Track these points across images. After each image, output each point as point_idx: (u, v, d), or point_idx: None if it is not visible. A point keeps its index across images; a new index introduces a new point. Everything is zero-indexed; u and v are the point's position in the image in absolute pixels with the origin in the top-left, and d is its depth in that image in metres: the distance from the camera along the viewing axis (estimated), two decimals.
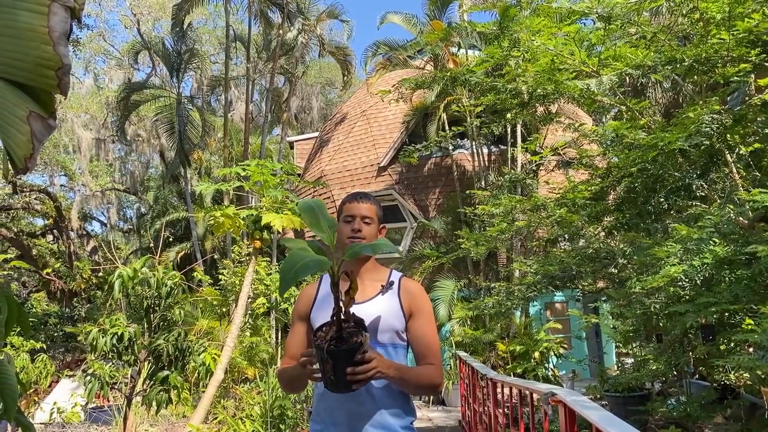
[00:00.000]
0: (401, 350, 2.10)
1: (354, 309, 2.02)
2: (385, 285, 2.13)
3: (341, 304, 1.73)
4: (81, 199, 26.63)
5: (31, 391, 12.46)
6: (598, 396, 8.75)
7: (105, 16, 36.73)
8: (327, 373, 1.75)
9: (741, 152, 5.97)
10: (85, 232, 27.38)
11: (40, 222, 25.99)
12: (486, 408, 6.70)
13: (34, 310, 20.64)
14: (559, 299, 13.96)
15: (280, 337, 12.77)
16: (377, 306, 2.07)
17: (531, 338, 10.86)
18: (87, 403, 9.71)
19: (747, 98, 6.68)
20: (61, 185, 29.05)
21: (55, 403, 10.42)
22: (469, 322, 11.87)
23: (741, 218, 5.31)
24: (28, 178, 22.91)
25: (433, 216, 14.18)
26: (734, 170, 5.81)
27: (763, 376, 6.41)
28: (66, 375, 13.20)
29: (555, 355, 10.78)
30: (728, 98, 7.42)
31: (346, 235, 2.12)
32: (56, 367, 15.03)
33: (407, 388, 2.03)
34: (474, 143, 13.63)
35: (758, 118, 5.73)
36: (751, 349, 6.25)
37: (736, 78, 5.75)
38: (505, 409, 5.87)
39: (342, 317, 1.73)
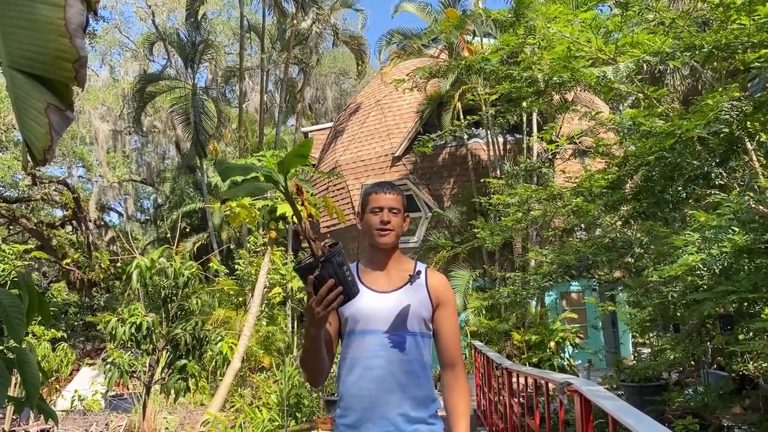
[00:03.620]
0: (428, 340, 2.11)
1: (383, 298, 2.07)
2: (412, 275, 2.13)
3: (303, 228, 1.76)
4: (99, 190, 26.91)
5: (53, 379, 12.69)
6: (614, 386, 8.72)
7: (120, 8, 36.98)
8: (338, 288, 1.74)
9: (761, 140, 5.88)
10: (103, 223, 27.70)
11: (59, 213, 26.35)
12: (501, 397, 6.71)
13: (54, 299, 20.96)
14: (575, 289, 13.88)
15: (296, 326, 12.85)
16: (406, 295, 2.08)
17: (546, 328, 10.83)
18: (107, 391, 9.88)
19: None
20: (79, 176, 29.38)
21: (76, 391, 10.61)
22: (484, 312, 11.86)
23: (761, 206, 5.22)
24: (47, 169, 23.21)
25: (448, 206, 14.14)
26: (754, 158, 5.72)
27: None
28: (86, 363, 13.42)
29: (571, 344, 10.75)
30: (749, 85, 7.28)
31: (374, 226, 2.10)
32: (77, 355, 15.26)
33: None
34: (489, 132, 13.55)
35: None
36: None
37: (756, 64, 5.64)
38: (521, 399, 5.87)
39: (310, 239, 1.75)
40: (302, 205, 1.66)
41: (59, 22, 1.20)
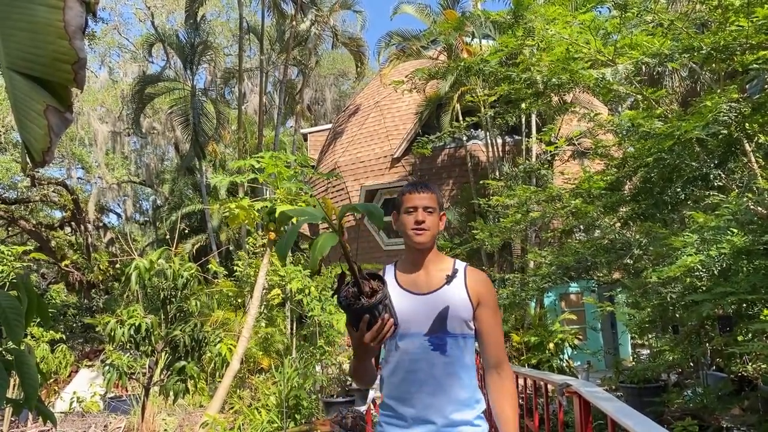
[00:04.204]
0: (470, 340, 2.08)
1: (422, 299, 2.04)
2: (450, 274, 2.10)
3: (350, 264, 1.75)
4: (98, 191, 26.91)
5: (51, 380, 12.68)
6: (613, 387, 8.72)
7: (119, 10, 36.98)
8: (390, 321, 1.79)
9: (760, 141, 5.88)
10: (102, 224, 27.68)
11: (58, 214, 26.33)
12: None
13: (53, 301, 20.93)
14: (574, 290, 13.88)
15: (294, 328, 12.85)
16: (445, 296, 2.04)
17: (546, 329, 10.83)
18: (106, 393, 9.87)
19: (766, 86, 6.57)
20: (79, 178, 29.35)
21: (74, 392, 10.60)
22: None
23: (759, 208, 5.23)
24: (46, 170, 23.19)
25: (447, 207, 14.14)
26: (753, 159, 5.73)
27: None
28: (85, 365, 13.41)
29: (570, 346, 10.74)
30: (747, 86, 7.30)
31: (409, 227, 2.08)
32: (75, 357, 15.25)
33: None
34: (488, 134, 13.55)
35: None
36: None
37: (755, 66, 5.65)
38: (520, 400, 5.87)
39: (357, 275, 1.76)
40: (345, 243, 1.68)
41: (58, 24, 1.20)
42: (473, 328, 2.08)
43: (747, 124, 5.73)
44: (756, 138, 5.87)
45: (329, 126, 19.82)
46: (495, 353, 2.09)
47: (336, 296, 1.81)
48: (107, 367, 6.54)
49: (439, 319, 2.00)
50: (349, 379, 8.70)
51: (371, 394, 8.32)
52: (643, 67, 6.65)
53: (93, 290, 21.75)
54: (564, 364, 10.47)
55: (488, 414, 2.11)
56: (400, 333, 2.00)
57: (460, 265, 2.15)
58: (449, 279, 2.07)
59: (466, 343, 2.05)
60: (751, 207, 5.18)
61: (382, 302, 1.76)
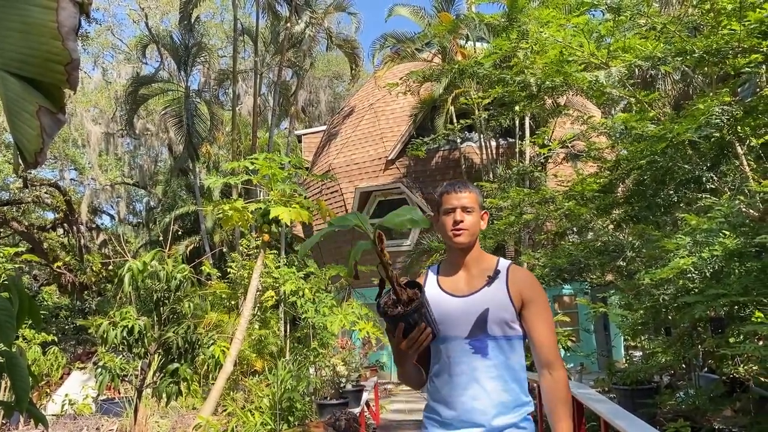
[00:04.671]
0: (516, 341, 2.03)
1: (461, 301, 2.01)
2: (491, 275, 2.05)
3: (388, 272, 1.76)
4: (91, 192, 26.79)
5: (43, 383, 12.59)
6: (606, 389, 8.74)
7: (113, 11, 36.86)
8: (428, 330, 1.81)
9: (752, 144, 5.92)
10: (94, 226, 27.53)
11: (50, 215, 26.20)
12: None
13: (45, 303, 20.82)
14: (568, 292, 13.92)
15: (288, 330, 12.82)
16: (485, 298, 2.00)
17: None
18: (98, 395, 9.81)
19: (758, 89, 6.62)
20: (71, 179, 29.22)
21: (66, 395, 10.54)
22: None
23: (751, 210, 5.27)
24: (39, 172, 23.09)
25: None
26: (745, 162, 5.77)
27: None
28: (77, 367, 13.33)
29: (563, 347, 10.76)
30: (739, 89, 7.34)
31: (449, 228, 2.05)
32: (67, 359, 15.15)
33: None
34: (482, 136, 13.59)
35: None
36: (760, 342, 6.22)
37: (747, 69, 5.70)
38: None
39: (394, 283, 1.77)
40: (383, 251, 1.68)
41: (51, 25, 1.20)
42: (518, 328, 2.03)
43: (739, 127, 5.76)
44: (748, 141, 5.91)
45: (323, 128, 19.82)
46: (545, 352, 2.02)
47: (376, 302, 1.83)
48: (99, 370, 6.51)
49: (479, 322, 1.97)
50: (342, 381, 8.69)
51: (365, 396, 8.32)
52: (636, 70, 6.70)
53: (85, 292, 21.63)
54: None
55: (538, 414, 2.11)
56: (442, 336, 1.97)
57: (503, 264, 2.10)
58: (490, 280, 2.03)
59: (510, 345, 2.01)
60: (743, 209, 5.21)
61: (419, 310, 1.76)
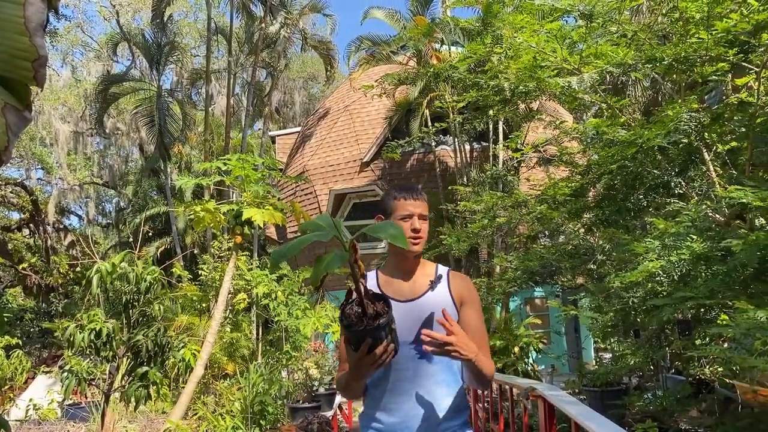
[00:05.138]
0: None
1: (407, 306, 1.99)
2: (433, 279, 2.08)
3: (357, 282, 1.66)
4: (58, 192, 26.23)
5: (6, 387, 12.27)
6: (577, 390, 8.85)
7: (83, 7, 36.19)
8: (391, 347, 1.70)
9: (718, 150, 6.06)
10: (62, 227, 26.97)
11: (15, 216, 25.57)
12: None
13: (9, 305, 20.31)
14: (539, 295, 14.08)
15: (260, 333, 12.71)
16: (430, 301, 1.99)
17: (511, 333, 10.94)
18: (64, 400, 9.60)
19: (724, 97, 6.78)
20: (38, 179, 28.58)
21: (30, 399, 10.29)
22: None
23: (717, 215, 5.39)
24: (4, 171, 22.50)
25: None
26: (711, 168, 5.90)
27: (736, 370, 6.53)
28: (42, 371, 13.04)
29: (535, 350, 10.88)
30: (706, 97, 7.52)
31: (406, 234, 2.00)
32: (32, 363, 14.80)
33: (474, 373, 1.95)
34: (456, 140, 13.67)
35: (735, 117, 5.82)
36: (725, 344, 6.37)
37: (713, 77, 5.83)
38: (486, 404, 5.92)
39: (362, 293, 1.67)
40: (356, 262, 1.57)
41: (18, 20, 1.17)
42: None
43: (706, 134, 5.90)
44: (714, 147, 6.05)
45: (298, 129, 19.74)
46: (476, 343, 2.00)
47: (342, 305, 1.72)
48: (65, 373, 6.36)
49: (425, 326, 1.94)
50: (315, 384, 8.65)
51: (338, 399, 8.28)
52: (608, 76, 6.80)
53: (52, 294, 21.17)
54: (529, 368, 10.59)
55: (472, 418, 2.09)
56: None
57: (443, 269, 2.13)
58: (433, 284, 2.04)
59: None
60: (710, 214, 5.33)
61: (385, 327, 1.68)
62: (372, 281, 2.10)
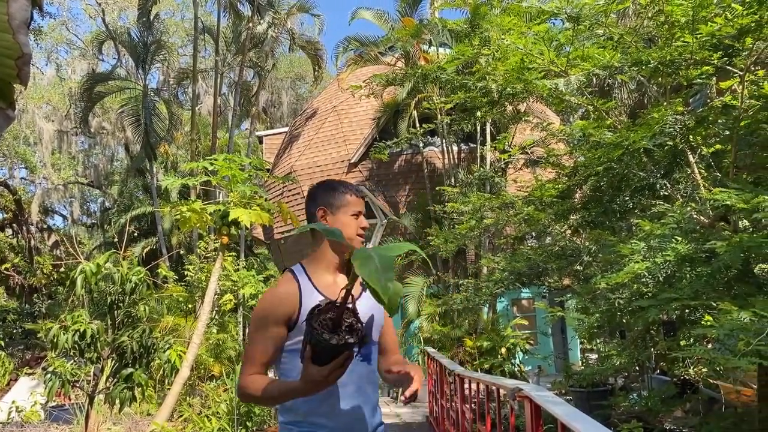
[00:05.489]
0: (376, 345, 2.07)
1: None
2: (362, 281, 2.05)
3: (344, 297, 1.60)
4: (42, 192, 25.95)
5: None
6: (563, 391, 8.90)
7: (68, 5, 35.81)
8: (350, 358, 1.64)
9: (703, 153, 6.12)
10: (46, 227, 26.67)
11: None
12: (453, 404, 6.76)
13: None
14: (526, 296, 14.14)
15: (247, 334, 12.66)
16: (368, 303, 1.92)
17: (498, 334, 10.98)
18: (47, 402, 9.48)
19: (709, 100, 6.86)
20: (22, 178, 28.26)
21: (13, 401, 10.16)
22: (437, 318, 11.95)
23: (702, 217, 5.44)
24: None
25: (404, 213, 14.21)
26: (696, 170, 5.96)
27: (720, 371, 6.60)
28: (25, 373, 12.88)
29: (521, 350, 10.93)
30: (691, 100, 7.59)
31: (355, 231, 2.01)
32: (15, 365, 14.64)
33: (396, 381, 1.99)
34: (444, 141, 13.70)
35: (719, 120, 5.88)
36: (709, 345, 6.43)
37: (698, 80, 5.89)
38: (473, 405, 5.93)
39: (346, 308, 1.61)
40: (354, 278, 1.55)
41: (2, 17, 1.15)
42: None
43: (691, 136, 5.95)
44: (699, 150, 6.11)
45: (285, 129, 19.66)
46: (395, 341, 2.14)
47: (309, 315, 1.60)
48: (49, 375, 6.29)
49: (367, 328, 1.87)
50: None
51: None
52: (594, 78, 6.85)
53: (35, 295, 20.92)
54: (516, 369, 10.64)
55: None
56: None
57: None
58: (364, 287, 1.92)
59: (376, 349, 2.05)
60: (694, 216, 5.38)
61: (362, 341, 1.61)
62: (307, 283, 1.96)
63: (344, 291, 1.58)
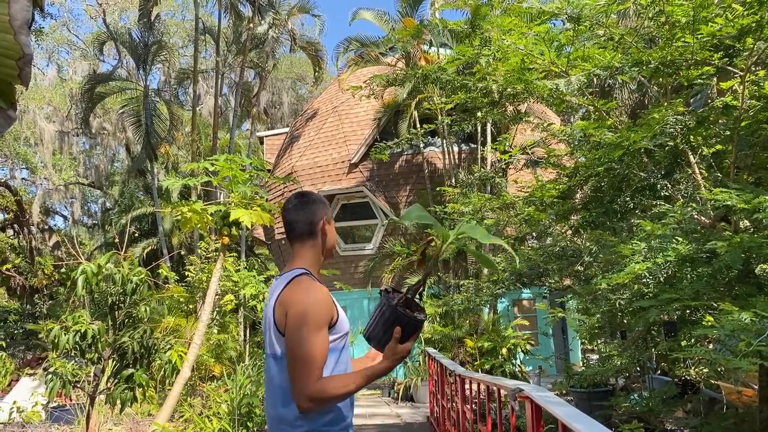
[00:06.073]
0: None
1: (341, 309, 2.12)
2: None
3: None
4: (43, 193, 25.97)
5: None
6: (564, 392, 8.90)
7: (69, 5, 35.84)
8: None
9: (703, 153, 6.12)
10: (47, 227, 26.70)
11: None
12: (454, 404, 6.75)
13: None
14: (527, 296, 14.14)
15: (248, 335, 12.65)
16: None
17: (499, 335, 10.98)
18: (48, 402, 9.49)
19: (709, 100, 6.86)
20: (23, 179, 28.26)
21: (14, 402, 10.16)
22: (438, 319, 11.94)
23: (702, 217, 5.44)
24: None
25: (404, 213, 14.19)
26: (696, 171, 5.95)
27: (721, 371, 6.60)
28: (26, 373, 12.88)
29: (522, 351, 10.93)
30: (691, 100, 7.59)
31: (336, 241, 2.18)
32: (16, 365, 14.64)
33: None
34: (445, 141, 13.70)
35: (720, 120, 5.88)
36: (711, 346, 6.43)
37: (699, 81, 5.90)
38: (473, 405, 5.93)
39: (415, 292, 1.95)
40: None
41: (3, 18, 1.15)
42: None
43: (691, 137, 5.95)
44: (699, 150, 6.11)
45: (286, 130, 19.67)
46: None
47: (391, 293, 1.91)
48: (50, 376, 6.29)
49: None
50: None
51: None
52: (595, 79, 6.85)
53: (36, 295, 20.95)
54: (516, 369, 10.64)
55: None
56: (347, 343, 2.05)
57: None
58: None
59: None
60: (695, 216, 5.38)
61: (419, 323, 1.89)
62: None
63: (423, 276, 1.96)
